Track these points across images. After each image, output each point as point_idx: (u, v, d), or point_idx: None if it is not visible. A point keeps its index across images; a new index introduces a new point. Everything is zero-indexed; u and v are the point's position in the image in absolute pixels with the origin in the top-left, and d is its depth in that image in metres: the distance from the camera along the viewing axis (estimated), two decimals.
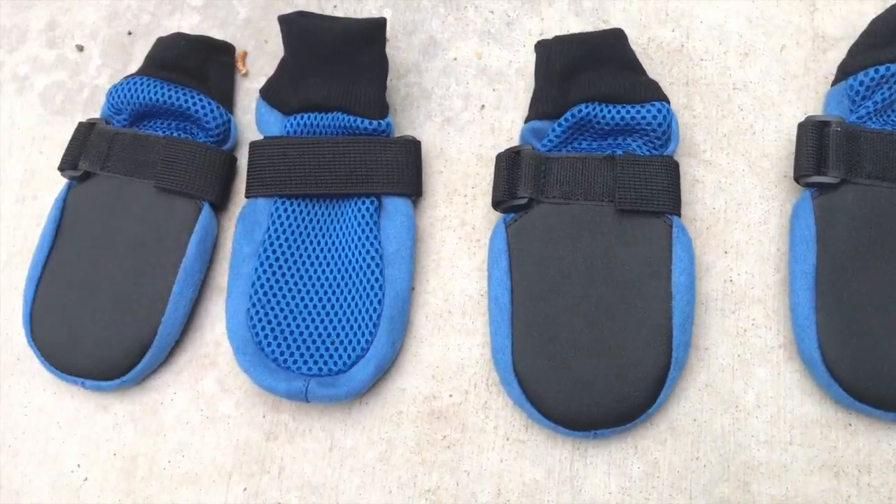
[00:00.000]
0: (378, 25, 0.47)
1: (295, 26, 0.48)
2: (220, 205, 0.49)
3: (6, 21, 0.56)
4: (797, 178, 0.44)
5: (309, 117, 0.47)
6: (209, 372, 0.46)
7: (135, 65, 0.54)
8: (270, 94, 0.49)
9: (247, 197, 0.47)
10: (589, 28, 0.51)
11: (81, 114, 0.53)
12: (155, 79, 0.49)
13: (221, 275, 0.48)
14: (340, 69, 0.47)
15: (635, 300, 0.42)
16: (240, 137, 0.51)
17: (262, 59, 0.53)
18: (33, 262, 0.47)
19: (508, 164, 0.45)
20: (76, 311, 0.45)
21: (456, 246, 0.47)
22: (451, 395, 0.44)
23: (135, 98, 0.48)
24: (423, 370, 0.45)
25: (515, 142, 0.49)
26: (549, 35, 0.51)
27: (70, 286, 0.46)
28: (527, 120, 0.47)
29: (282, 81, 0.49)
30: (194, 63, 0.50)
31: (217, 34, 0.53)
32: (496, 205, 0.45)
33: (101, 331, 0.45)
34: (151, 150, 0.48)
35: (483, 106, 0.50)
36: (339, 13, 0.53)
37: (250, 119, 0.51)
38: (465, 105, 0.50)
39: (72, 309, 0.46)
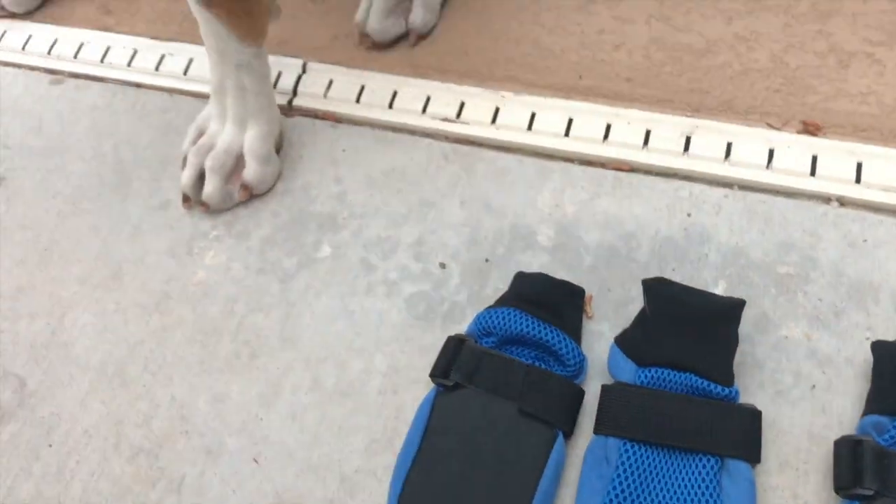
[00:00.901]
0: (738, 306, 0.54)
1: (660, 293, 0.55)
2: (569, 434, 0.55)
3: (382, 232, 0.67)
4: None
5: (662, 372, 0.54)
6: None
7: (490, 289, 0.62)
8: (626, 344, 0.56)
9: (596, 433, 0.53)
10: None
11: (441, 324, 0.61)
12: (525, 313, 0.57)
13: (561, 499, 0.53)
14: (698, 336, 0.54)
15: None
16: None
17: (604, 305, 0.61)
18: (403, 455, 0.54)
19: (850, 453, 0.50)
20: None
21: None
22: None
23: (506, 326, 0.57)
24: None
25: (846, 425, 0.53)
26: (877, 330, 0.56)
27: (436, 485, 0.52)
28: (865, 413, 0.52)
29: (638, 335, 0.56)
30: (554, 301, 0.58)
31: (563, 275, 0.62)
32: (838, 490, 0.49)
33: None
34: (516, 375, 0.55)
35: (814, 386, 0.55)
36: (676, 278, 0.61)
37: (592, 358, 0.58)
38: (796, 382, 0.55)
39: None
